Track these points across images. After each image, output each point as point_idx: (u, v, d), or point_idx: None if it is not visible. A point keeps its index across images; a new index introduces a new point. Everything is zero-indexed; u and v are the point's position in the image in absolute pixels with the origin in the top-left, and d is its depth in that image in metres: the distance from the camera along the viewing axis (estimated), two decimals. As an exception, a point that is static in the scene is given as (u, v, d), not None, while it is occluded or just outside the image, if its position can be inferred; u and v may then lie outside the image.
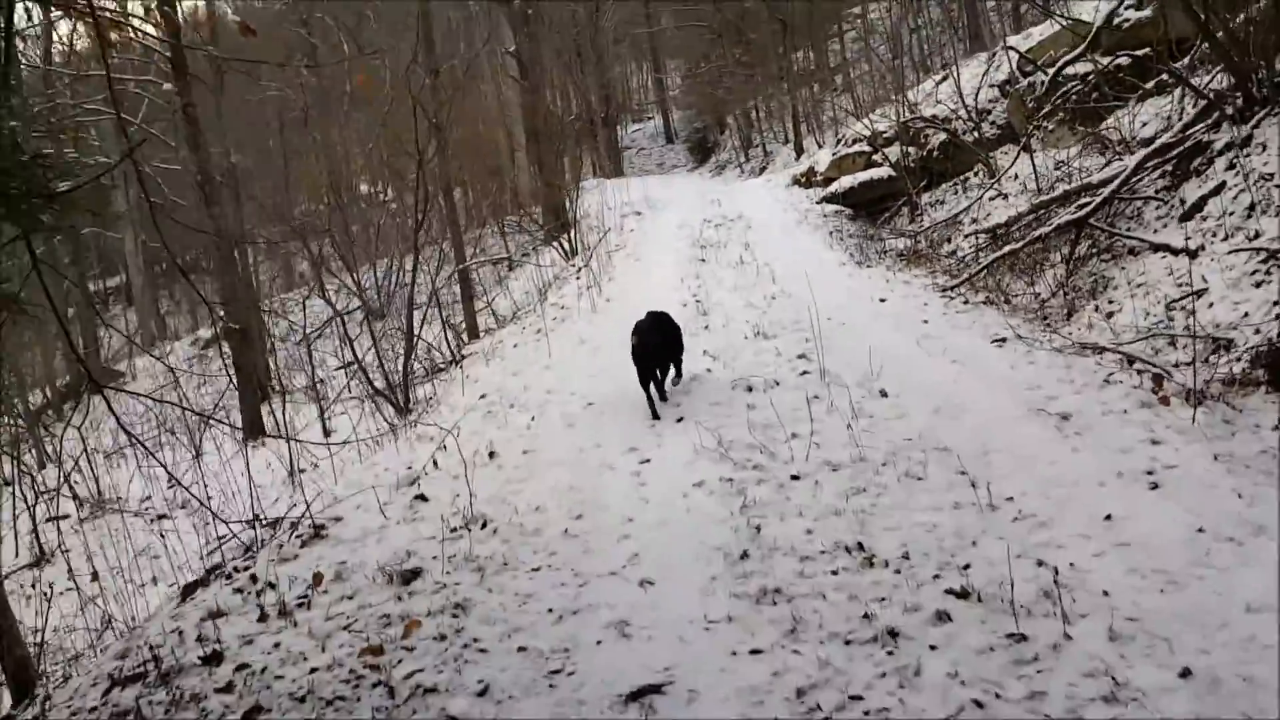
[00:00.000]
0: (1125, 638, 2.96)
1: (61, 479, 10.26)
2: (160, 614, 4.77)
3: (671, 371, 6.42)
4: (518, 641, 3.38)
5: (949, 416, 5.08)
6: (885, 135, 13.41)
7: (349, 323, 11.85)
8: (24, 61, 21.67)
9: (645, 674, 3.07)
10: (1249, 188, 6.65)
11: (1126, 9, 10.05)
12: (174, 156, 17.61)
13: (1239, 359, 5.46)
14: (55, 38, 20.45)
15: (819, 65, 22.35)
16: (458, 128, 15.70)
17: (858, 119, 15.24)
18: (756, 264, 10.26)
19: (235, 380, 10.48)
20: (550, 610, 3.57)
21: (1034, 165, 10.31)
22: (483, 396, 6.94)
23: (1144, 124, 9.65)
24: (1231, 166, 7.28)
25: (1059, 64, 9.66)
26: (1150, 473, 4.12)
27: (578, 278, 11.17)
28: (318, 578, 4.33)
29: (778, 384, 6.00)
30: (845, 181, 13.30)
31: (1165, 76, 9.84)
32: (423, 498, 5.15)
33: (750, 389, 5.96)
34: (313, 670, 3.45)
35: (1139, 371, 5.43)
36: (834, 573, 3.55)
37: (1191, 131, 7.77)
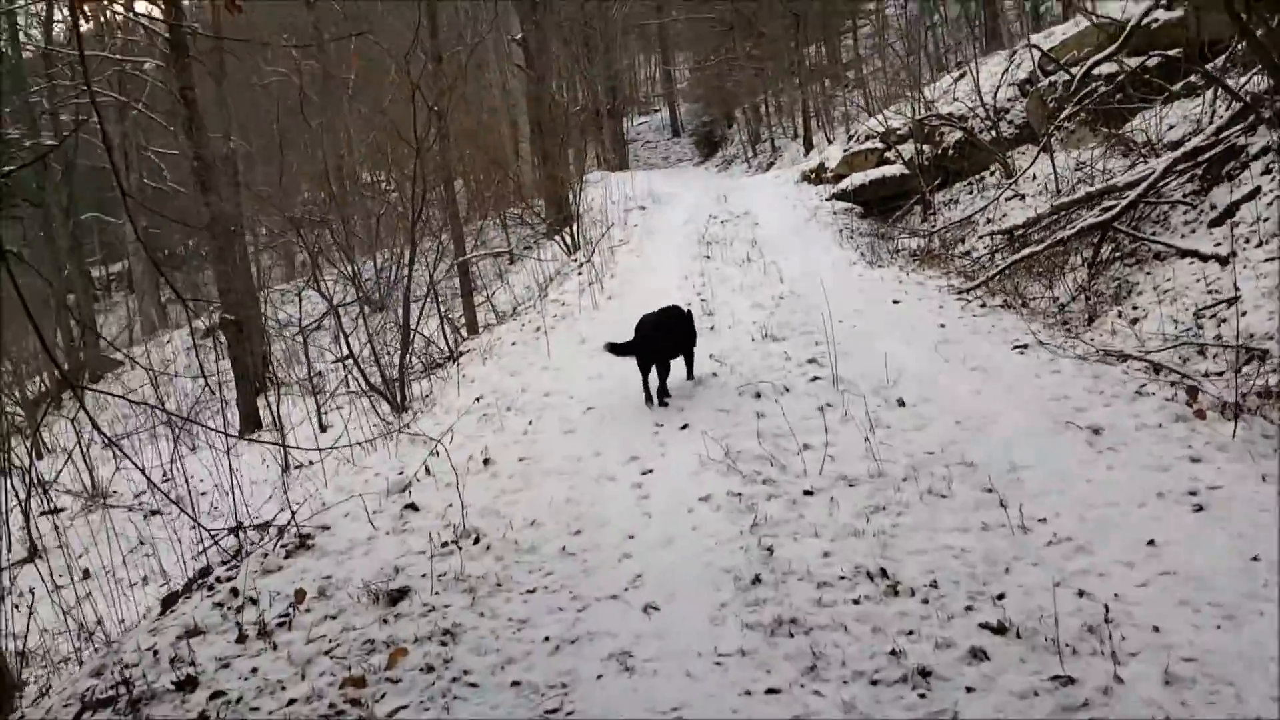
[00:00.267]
0: (1184, 681, 2.67)
1: (54, 473, 9.99)
2: (138, 629, 4.49)
3: (683, 368, 6.18)
4: (511, 675, 3.10)
5: (972, 429, 4.79)
6: (899, 132, 13.09)
7: (347, 315, 11.58)
8: (26, 42, 21.39)
9: (650, 715, 2.79)
10: (1289, 193, 6.34)
11: (1158, 9, 9.69)
12: (175, 142, 17.34)
13: (1275, 370, 5.17)
14: (58, 16, 20.15)
15: (831, 60, 21.99)
16: (460, 116, 15.39)
17: (870, 115, 14.91)
18: (764, 262, 9.96)
19: (207, 378, 10.21)
20: (547, 639, 3.29)
21: (1054, 166, 10.00)
22: (479, 399, 6.65)
23: (1170, 127, 9.32)
24: (1268, 171, 6.97)
25: (1090, 62, 9.32)
26: (1193, 493, 3.84)
27: (579, 273, 10.87)
28: (300, 595, 4.05)
29: (788, 390, 5.71)
30: (856, 179, 12.99)
31: (1194, 78, 9.53)
32: (413, 507, 4.86)
33: (759, 395, 5.67)
34: (290, 702, 3.18)
35: (1172, 384, 5.14)
36: (855, 601, 3.27)
37: (1225, 134, 7.46)
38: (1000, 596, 3.23)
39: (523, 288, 11.85)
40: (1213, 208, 7.26)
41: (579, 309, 9.17)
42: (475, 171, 15.36)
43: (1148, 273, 7.33)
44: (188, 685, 3.47)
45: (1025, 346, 6.17)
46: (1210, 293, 6.41)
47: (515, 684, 3.04)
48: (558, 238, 13.12)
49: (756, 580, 3.47)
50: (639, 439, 5.32)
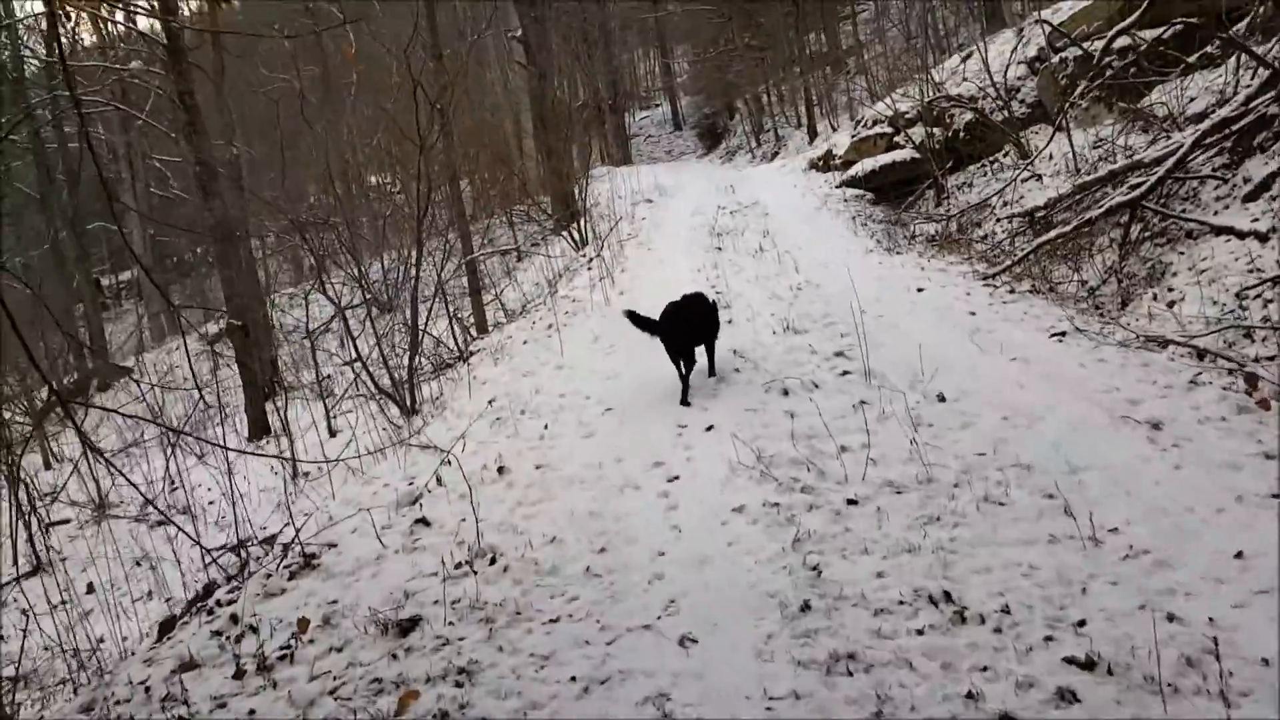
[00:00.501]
0: (1314, 731, 2.25)
1: (60, 484, 9.63)
2: (133, 659, 4.11)
3: (703, 358, 5.80)
4: (535, 724, 2.70)
5: (1022, 426, 4.35)
6: (907, 116, 12.57)
7: (354, 318, 11.18)
8: (29, 53, 20.97)
9: (696, 775, 2.39)
10: (1336, 163, 5.86)
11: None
12: (179, 149, 16.93)
13: (1336, 353, 4.74)
14: (61, 29, 19.71)
15: (832, 47, 21.40)
16: (463, 114, 14.93)
17: (876, 100, 14.39)
18: (777, 252, 9.50)
19: (201, 389, 9.84)
20: (573, 679, 2.88)
21: (1071, 144, 9.50)
22: (491, 401, 6.23)
23: (1191, 99, 8.81)
24: (1304, 140, 6.50)
25: (1112, 33, 8.78)
26: (1276, 496, 3.40)
27: (589, 268, 10.43)
28: (303, 624, 3.66)
29: (817, 386, 5.28)
30: (866, 164, 12.49)
31: (1211, 48, 9.01)
32: (424, 522, 4.46)
33: (786, 392, 5.24)
34: (287, 755, 2.79)
35: (1230, 372, 4.69)
36: (919, 632, 2.84)
37: (1255, 104, 6.96)
38: (1081, 624, 2.81)
39: (531, 285, 11.42)
40: (1246, 181, 6.77)
41: (590, 305, 8.74)
42: (480, 169, 14.91)
43: (1181, 252, 6.85)
44: (180, 732, 3.09)
45: (1063, 334, 5.72)
46: (1252, 271, 5.94)
47: (541, 737, 2.64)
48: (565, 233, 12.67)
49: (806, 607, 3.05)
50: (662, 442, 4.90)
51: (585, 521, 4.05)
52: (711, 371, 5.85)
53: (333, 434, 9.32)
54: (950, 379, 5.04)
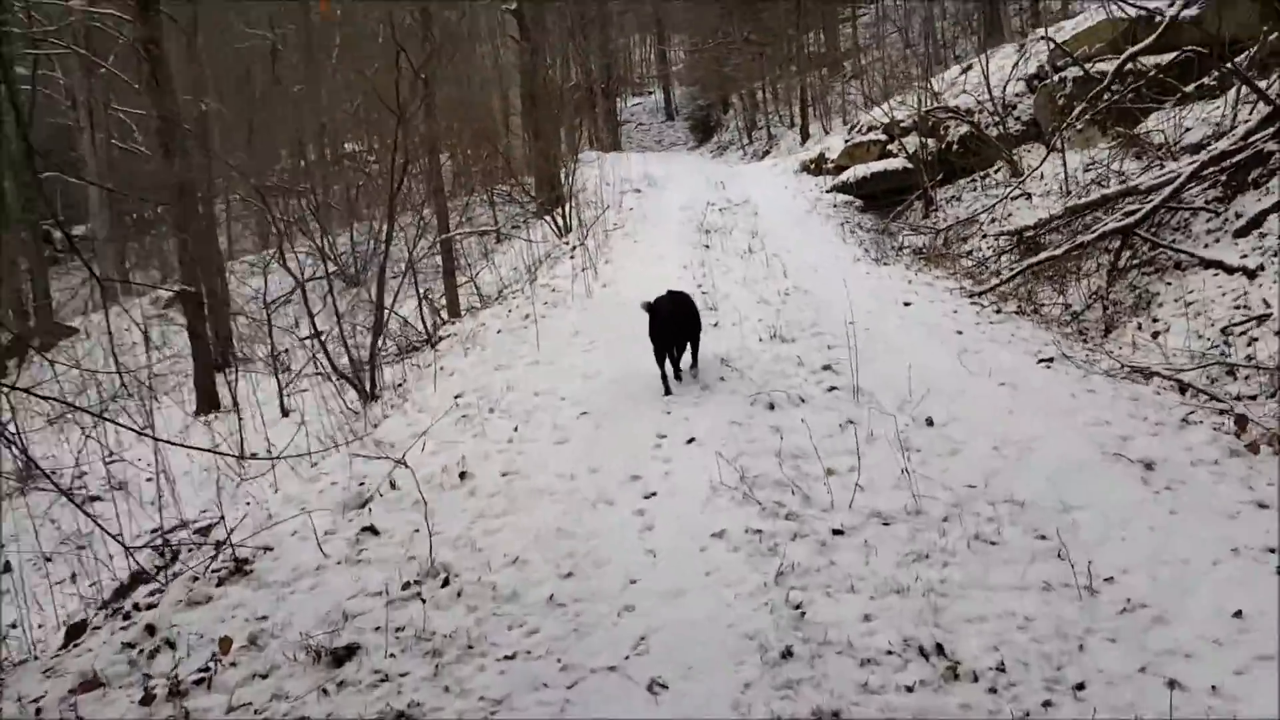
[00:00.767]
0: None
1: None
2: (33, 665, 3.72)
3: (688, 356, 5.75)
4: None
5: (1012, 457, 4.20)
6: (902, 125, 12.46)
7: (315, 292, 10.77)
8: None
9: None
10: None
11: (1192, 5, 9.10)
12: (146, 102, 16.17)
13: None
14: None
15: (830, 48, 21.25)
16: (448, 85, 14.47)
17: (872, 106, 14.25)
18: (766, 254, 9.31)
19: (122, 373, 9.39)
20: (529, 726, 2.65)
21: (1065, 165, 9.44)
22: (458, 396, 5.93)
23: (1187, 129, 8.80)
24: (1298, 181, 6.47)
25: (1124, 57, 8.69)
26: (1272, 550, 3.29)
27: (571, 257, 10.14)
28: (225, 644, 3.33)
29: (804, 401, 5.09)
30: (858, 171, 12.36)
31: (1208, 80, 8.99)
32: (373, 530, 4.17)
33: (772, 406, 5.04)
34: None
35: (1221, 411, 4.60)
36: (909, 688, 2.66)
37: (1254, 139, 6.92)
38: (1080, 686, 2.64)
39: (510, 269, 11.08)
40: (1238, 216, 6.74)
41: (571, 296, 8.46)
42: (463, 144, 14.48)
43: (1169, 283, 6.80)
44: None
45: (1051, 360, 5.60)
46: (1238, 308, 5.90)
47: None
48: (548, 218, 12.34)
49: (788, 654, 2.84)
50: (640, 453, 4.67)
51: (552, 540, 3.80)
52: (694, 365, 5.74)
53: (285, 413, 8.92)
54: (939, 401, 4.88)
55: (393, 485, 4.63)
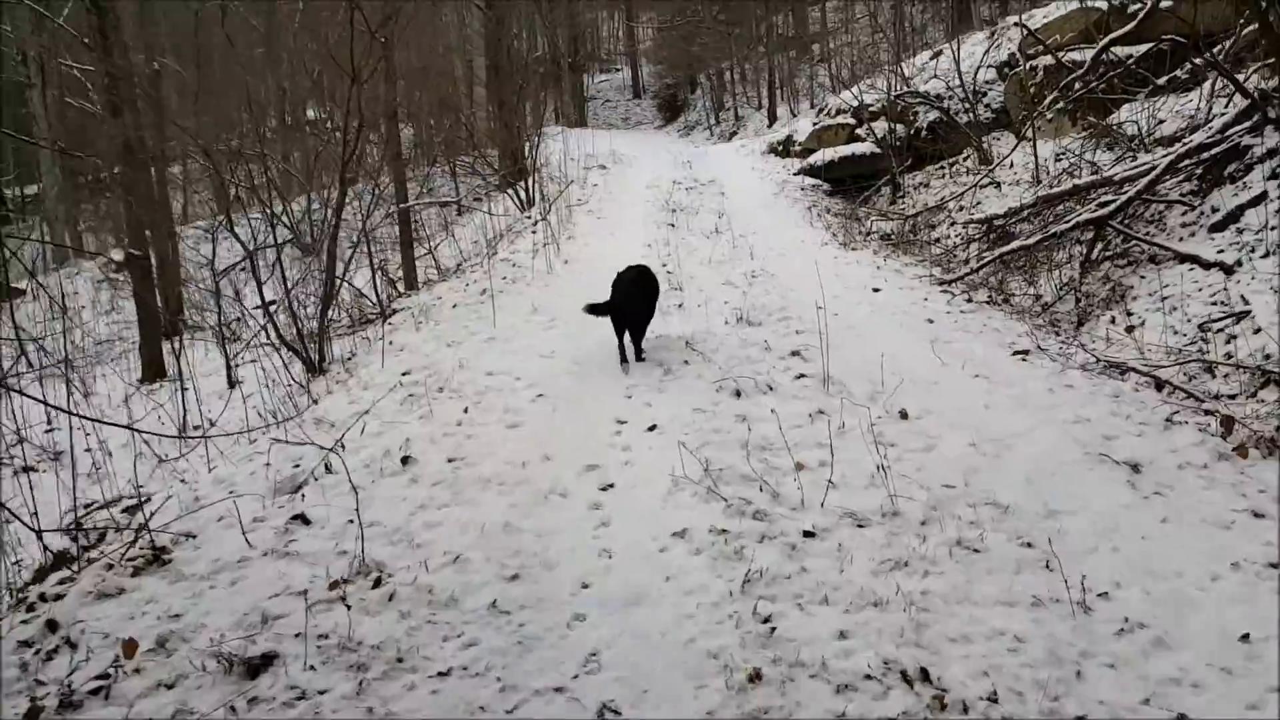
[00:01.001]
0: None
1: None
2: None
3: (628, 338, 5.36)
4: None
5: (990, 454, 3.87)
6: (872, 109, 12.09)
7: (265, 261, 10.07)
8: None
9: None
10: (1303, 201, 5.59)
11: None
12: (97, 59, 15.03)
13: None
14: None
15: (799, 32, 20.77)
16: (410, 50, 13.67)
17: (840, 89, 13.85)
18: (732, 235, 8.90)
19: (22, 340, 8.63)
20: (460, 762, 2.22)
21: (1036, 154, 9.18)
22: (406, 374, 5.42)
23: (1160, 121, 8.58)
24: (1276, 176, 6.24)
25: (1103, 44, 8.40)
26: (1274, 565, 3.00)
27: (534, 232, 9.59)
28: (130, 647, 2.86)
29: (772, 389, 4.70)
30: (826, 154, 11.98)
31: (1182, 72, 8.79)
32: (304, 519, 3.68)
33: (739, 393, 4.64)
34: None
35: (1206, 411, 4.33)
36: (892, 721, 2.30)
37: (1231, 132, 6.69)
38: None
39: (470, 243, 10.48)
40: (1214, 210, 6.51)
41: (531, 272, 7.94)
42: (424, 113, 13.72)
43: (1142, 276, 6.56)
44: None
45: (1026, 352, 5.30)
46: (1215, 303, 5.66)
47: None
48: (511, 191, 11.73)
49: (756, 677, 2.46)
50: (598, 440, 4.23)
51: (498, 537, 3.36)
52: (639, 354, 5.34)
53: (232, 385, 8.30)
54: (912, 393, 4.53)
55: (328, 469, 4.13)
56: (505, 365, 5.39)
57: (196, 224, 16.10)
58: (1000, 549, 3.12)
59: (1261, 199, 6.19)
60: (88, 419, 4.01)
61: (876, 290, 6.81)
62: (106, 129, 11.30)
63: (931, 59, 12.70)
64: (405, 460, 4.17)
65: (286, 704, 2.45)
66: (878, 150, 11.42)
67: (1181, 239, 6.59)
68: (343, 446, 4.20)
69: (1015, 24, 11.03)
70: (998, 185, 9.50)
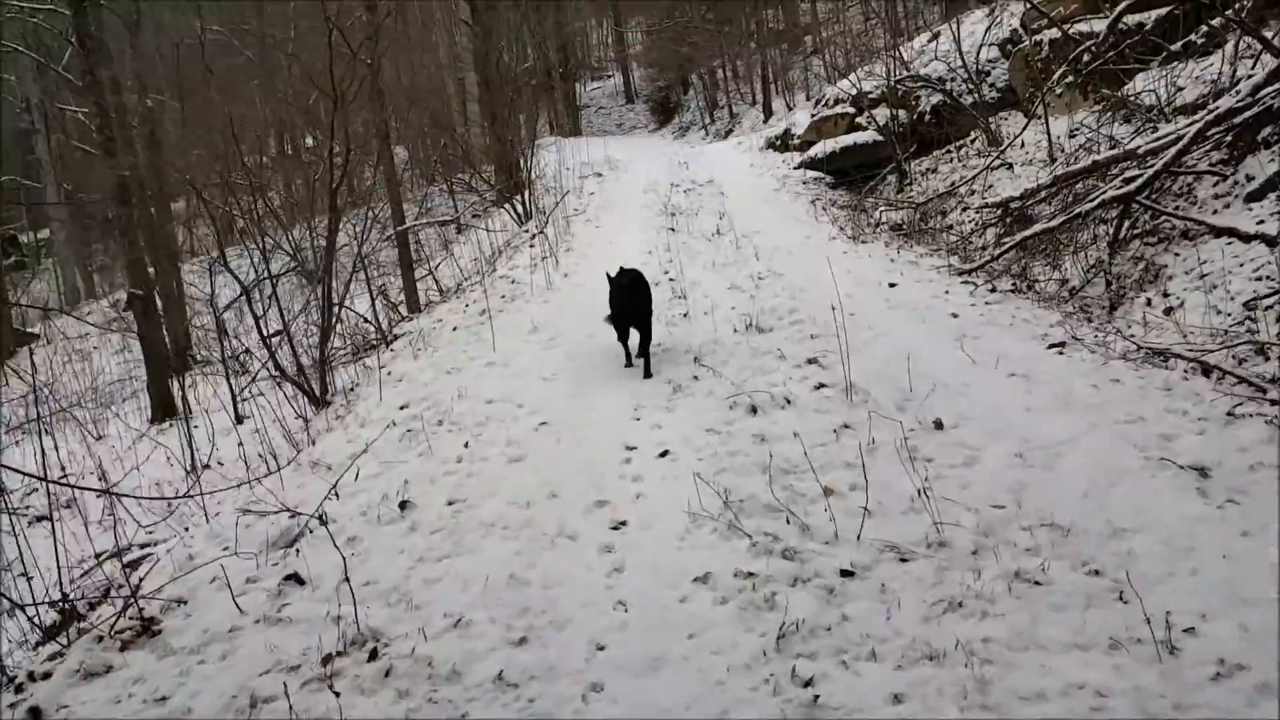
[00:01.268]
0: None
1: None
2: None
3: (635, 338, 5.18)
4: None
5: (1039, 465, 3.48)
6: (871, 96, 11.66)
7: (260, 295, 9.82)
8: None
9: None
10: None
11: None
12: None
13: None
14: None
15: (789, 24, 20.33)
16: (400, 71, 13.40)
17: (836, 79, 13.43)
18: (735, 236, 8.52)
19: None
20: None
21: (1049, 132, 8.74)
22: (403, 407, 5.09)
23: (1180, 89, 8.11)
24: (1314, 137, 5.79)
25: (1119, 9, 7.93)
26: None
27: (531, 245, 9.27)
28: (103, 745, 2.55)
29: (790, 402, 4.32)
30: (826, 145, 11.56)
31: (1196, 36, 8.32)
32: (297, 579, 3.35)
33: (755, 410, 4.27)
34: None
35: (1272, 401, 3.91)
36: (967, 813, 1.92)
37: (1262, 94, 6.23)
38: (1189, 795, 1.93)
39: (470, 261, 10.17)
40: (1249, 179, 6.05)
41: (530, 289, 7.61)
42: (418, 134, 13.44)
43: (1176, 253, 6.11)
44: None
45: (1062, 345, 4.89)
46: (1260, 278, 5.22)
47: None
48: (507, 206, 11.42)
49: (802, 762, 2.10)
50: (607, 471, 3.88)
51: (503, 592, 3.01)
52: (644, 347, 5.13)
53: (239, 420, 8.04)
54: (945, 399, 4.14)
55: (322, 521, 3.80)
56: (506, 391, 5.05)
57: (199, 259, 15.93)
58: (1065, 579, 2.73)
59: (1301, 164, 5.76)
60: (60, 484, 3.71)
61: (893, 285, 6.42)
62: (100, 169, 11.15)
63: (930, 41, 12.25)
64: (403, 505, 3.83)
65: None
66: (880, 138, 11.00)
67: (1215, 211, 6.15)
68: (336, 495, 3.87)
69: (1017, -1, 10.58)
70: (1010, 166, 9.06)
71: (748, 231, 8.66)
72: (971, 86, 10.58)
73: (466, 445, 4.36)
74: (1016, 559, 2.84)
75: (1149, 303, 5.78)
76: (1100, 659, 2.38)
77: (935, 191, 9.45)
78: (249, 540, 3.83)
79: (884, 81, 11.36)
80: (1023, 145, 9.25)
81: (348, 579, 2.98)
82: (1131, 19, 8.52)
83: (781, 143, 13.15)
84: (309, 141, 20.93)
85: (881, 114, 11.20)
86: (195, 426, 7.78)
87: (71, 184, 21.51)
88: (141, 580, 3.78)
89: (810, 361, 4.83)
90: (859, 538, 3.04)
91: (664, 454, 3.95)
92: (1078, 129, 8.59)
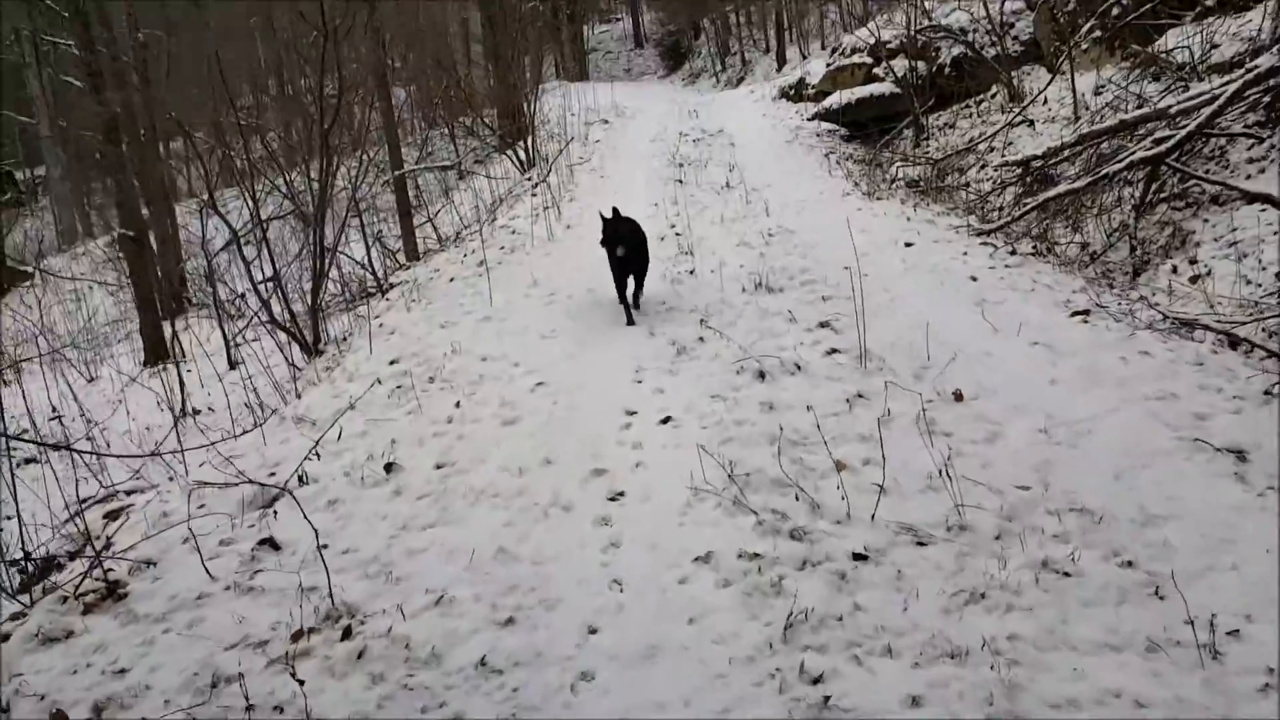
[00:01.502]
0: None
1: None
2: None
3: (631, 285, 5.10)
4: None
5: (1066, 443, 3.23)
6: (889, 46, 11.08)
7: (262, 234, 9.46)
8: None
9: None
10: None
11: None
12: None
13: None
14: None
15: (806, -32, 19.36)
16: (398, 4, 12.74)
17: (854, 27, 12.78)
18: (745, 189, 8.12)
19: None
20: None
21: (1074, 89, 8.27)
22: (394, 362, 4.82)
23: (1214, 46, 7.62)
24: (1364, 98, 5.39)
25: None
26: None
27: (533, 194, 8.87)
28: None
29: (800, 368, 4.05)
30: (841, 96, 11.02)
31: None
32: (272, 544, 3.14)
33: (763, 375, 4.00)
34: None
35: (1311, 378, 3.64)
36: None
37: (1306, 52, 5.80)
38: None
39: (470, 208, 9.77)
40: (1288, 142, 5.69)
41: (531, 240, 7.26)
42: (417, 74, 12.84)
43: (1205, 219, 5.77)
44: None
45: (1086, 313, 4.59)
46: (1295, 248, 4.90)
47: None
48: (510, 152, 10.94)
49: (811, 773, 1.89)
50: (605, 436, 3.63)
51: (491, 566, 2.79)
52: (638, 293, 5.13)
53: (232, 366, 7.80)
54: (965, 368, 3.87)
55: (302, 480, 3.58)
56: (502, 348, 4.77)
57: (196, 199, 15.46)
58: (1096, 571, 2.50)
59: (1344, 126, 5.37)
60: (21, 439, 3.48)
61: (909, 245, 6.08)
62: (87, 106, 10.70)
63: (953, -12, 11.57)
64: (389, 468, 3.59)
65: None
66: (898, 90, 10.46)
67: (1249, 176, 5.77)
68: (317, 456, 3.63)
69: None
70: (1031, 124, 8.60)
71: (758, 185, 8.26)
72: (995, 39, 10.02)
73: (458, 405, 4.10)
74: (1044, 546, 2.61)
75: (1175, 270, 5.47)
76: (1137, 662, 2.16)
77: (953, 148, 9.00)
78: (225, 499, 3.61)
79: (903, 31, 10.77)
80: (1045, 102, 8.78)
81: (321, 551, 2.75)
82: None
83: (795, 92, 12.57)
84: (308, 83, 20.19)
85: (900, 65, 10.65)
86: (188, 371, 7.55)
87: (66, 120, 20.86)
88: (111, 540, 3.57)
89: (822, 325, 4.54)
90: (873, 518, 2.80)
91: (666, 420, 3.70)
92: (1104, 86, 8.13)
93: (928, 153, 9.24)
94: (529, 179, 9.76)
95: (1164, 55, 7.79)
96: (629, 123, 12.61)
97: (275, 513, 3.38)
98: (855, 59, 11.54)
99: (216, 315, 8.44)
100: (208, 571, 3.02)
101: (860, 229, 6.51)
